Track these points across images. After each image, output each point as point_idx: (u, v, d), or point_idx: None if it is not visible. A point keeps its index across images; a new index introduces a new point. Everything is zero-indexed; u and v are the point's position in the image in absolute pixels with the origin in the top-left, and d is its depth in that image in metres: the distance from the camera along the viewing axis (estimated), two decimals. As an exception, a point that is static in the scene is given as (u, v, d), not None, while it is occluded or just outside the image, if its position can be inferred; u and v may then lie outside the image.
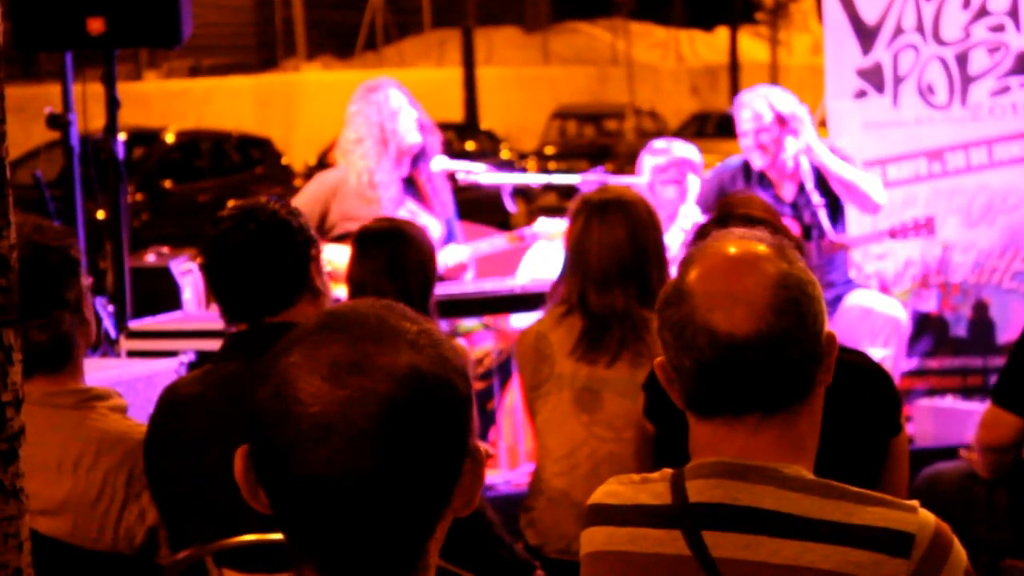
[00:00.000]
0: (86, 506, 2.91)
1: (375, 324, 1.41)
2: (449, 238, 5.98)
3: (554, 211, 6.68)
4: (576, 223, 4.07)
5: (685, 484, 1.95)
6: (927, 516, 1.89)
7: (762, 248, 1.98)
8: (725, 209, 3.86)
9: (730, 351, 1.91)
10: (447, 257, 5.86)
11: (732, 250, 1.98)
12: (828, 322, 1.99)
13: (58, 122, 5.62)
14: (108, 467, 2.91)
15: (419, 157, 5.91)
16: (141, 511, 2.93)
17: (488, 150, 22.02)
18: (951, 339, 6.53)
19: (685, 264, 2.00)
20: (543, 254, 6.12)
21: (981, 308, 6.50)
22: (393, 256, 4.13)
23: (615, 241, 3.99)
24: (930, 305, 6.53)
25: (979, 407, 5.68)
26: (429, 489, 1.39)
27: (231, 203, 3.15)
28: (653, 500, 1.97)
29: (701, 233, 3.54)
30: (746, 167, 6.24)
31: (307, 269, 3.07)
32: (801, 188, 6.15)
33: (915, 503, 1.91)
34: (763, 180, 6.20)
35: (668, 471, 1.99)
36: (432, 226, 5.81)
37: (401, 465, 1.36)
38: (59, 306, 2.96)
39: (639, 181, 6.10)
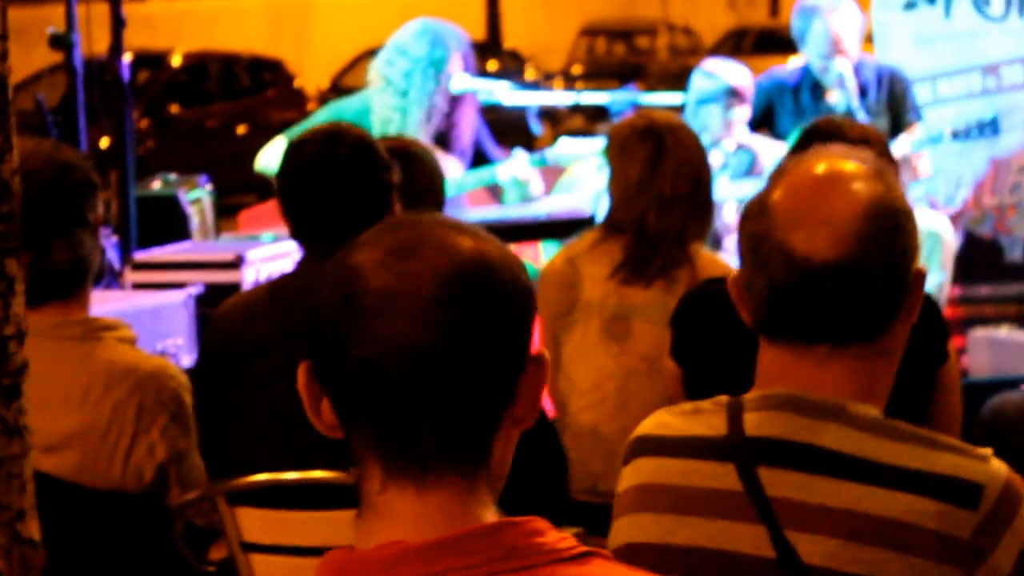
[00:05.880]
0: (94, 440, 2.94)
1: (436, 219, 1.46)
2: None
3: (581, 134, 6.62)
4: (644, 145, 4.08)
5: (743, 416, 1.92)
6: (999, 467, 1.86)
7: (859, 169, 1.93)
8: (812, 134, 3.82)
9: (805, 276, 1.88)
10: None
11: (825, 168, 1.94)
12: (920, 258, 1.95)
13: (61, 43, 5.60)
14: (117, 400, 2.94)
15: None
16: (151, 446, 2.96)
17: (512, 70, 21.88)
18: (1006, 264, 6.49)
19: (775, 177, 1.97)
20: (579, 178, 6.08)
21: (1039, 230, 6.46)
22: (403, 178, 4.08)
23: (692, 161, 4.07)
24: (984, 228, 6.49)
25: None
26: (491, 374, 1.42)
27: (313, 130, 3.23)
28: (707, 431, 1.94)
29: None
30: (797, 78, 6.22)
31: (390, 196, 3.16)
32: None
33: (988, 451, 1.88)
34: (815, 90, 6.17)
35: (724, 399, 1.96)
36: (452, 167, 5.77)
37: (464, 346, 1.40)
38: (81, 225, 3.02)
39: (673, 102, 6.05)
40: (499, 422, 1.45)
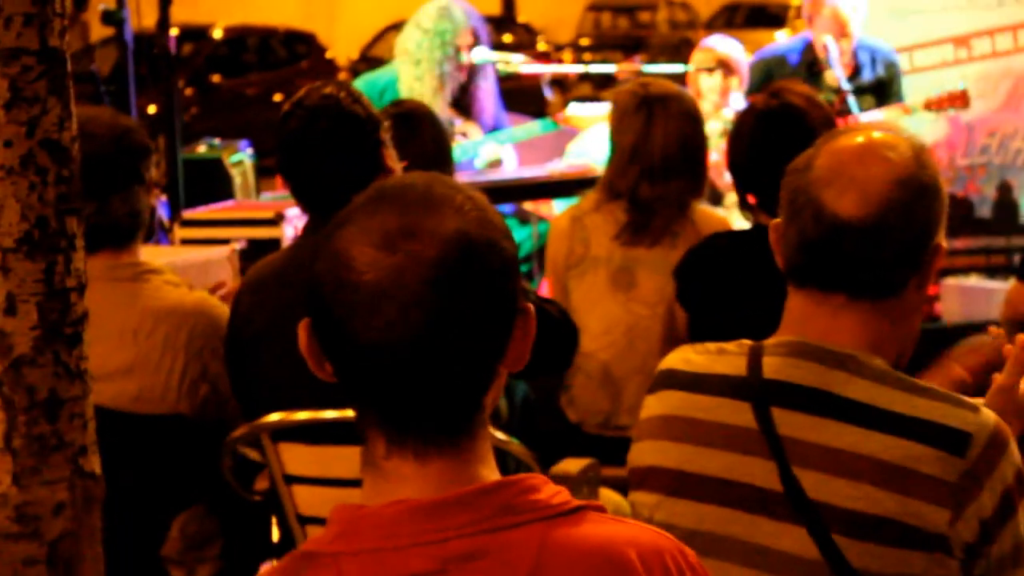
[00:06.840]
0: (148, 372, 2.98)
1: (423, 192, 1.43)
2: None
3: (588, 100, 6.61)
4: (638, 116, 4.03)
5: (763, 359, 1.94)
6: (988, 416, 1.87)
7: (899, 143, 1.96)
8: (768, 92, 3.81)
9: (830, 230, 1.91)
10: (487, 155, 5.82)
11: (867, 137, 1.97)
12: (942, 236, 1.97)
13: (112, 18, 5.60)
14: (167, 333, 2.98)
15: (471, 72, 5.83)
16: (204, 367, 3.01)
17: (525, 42, 21.80)
18: (976, 220, 6.50)
19: (824, 139, 2.00)
20: (591, 141, 6.08)
21: (1005, 189, 6.45)
22: (407, 138, 3.89)
23: (681, 131, 4.00)
24: (956, 187, 6.49)
25: (1003, 286, 5.66)
26: (482, 349, 1.42)
27: (301, 91, 3.12)
28: (729, 371, 1.96)
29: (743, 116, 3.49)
30: (798, 53, 6.19)
31: (380, 154, 3.08)
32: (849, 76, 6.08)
33: (980, 402, 1.90)
34: (812, 66, 6.14)
35: (747, 343, 1.98)
36: (473, 132, 5.77)
37: (454, 328, 1.39)
38: (138, 182, 3.07)
39: (675, 71, 6.04)
40: (492, 380, 1.44)
